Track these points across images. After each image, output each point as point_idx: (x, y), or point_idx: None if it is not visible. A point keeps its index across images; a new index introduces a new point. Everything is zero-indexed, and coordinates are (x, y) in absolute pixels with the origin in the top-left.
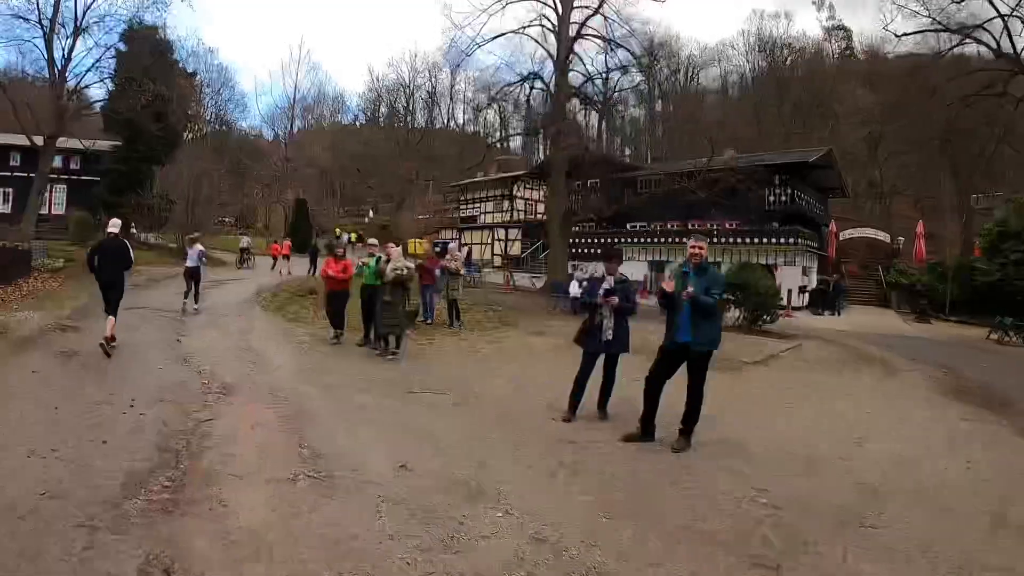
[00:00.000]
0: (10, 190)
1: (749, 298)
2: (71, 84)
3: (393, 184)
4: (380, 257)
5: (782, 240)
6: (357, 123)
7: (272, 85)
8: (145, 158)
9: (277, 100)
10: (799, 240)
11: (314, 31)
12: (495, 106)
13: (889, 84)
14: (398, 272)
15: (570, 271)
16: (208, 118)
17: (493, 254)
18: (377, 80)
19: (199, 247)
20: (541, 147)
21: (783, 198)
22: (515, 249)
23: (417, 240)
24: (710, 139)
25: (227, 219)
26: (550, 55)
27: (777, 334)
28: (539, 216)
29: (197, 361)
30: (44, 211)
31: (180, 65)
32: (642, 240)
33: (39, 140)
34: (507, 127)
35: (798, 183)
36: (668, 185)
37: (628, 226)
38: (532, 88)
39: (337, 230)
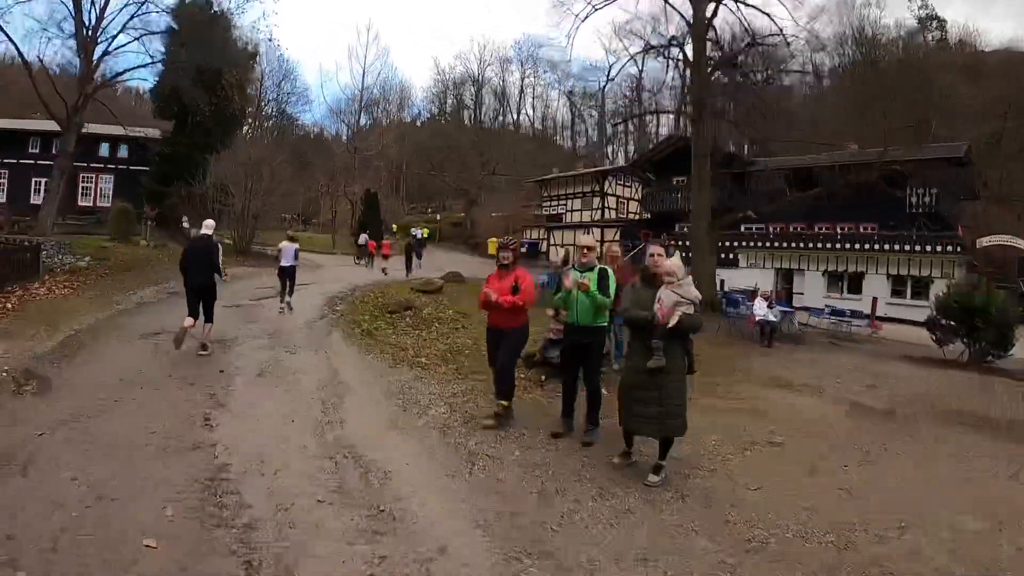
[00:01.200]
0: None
1: (987, 327)
2: (101, 50)
3: (466, 179)
4: (606, 271)
5: (937, 248)
6: (418, 122)
7: (337, 71)
8: (197, 145)
9: (343, 88)
10: (957, 249)
11: (380, 18)
12: (572, 99)
13: (988, 79)
14: (684, 310)
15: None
16: (270, 112)
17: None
18: (443, 72)
19: (295, 245)
20: (612, 146)
21: (926, 199)
22: (614, 251)
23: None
24: (885, 115)
25: (290, 215)
26: (685, 19)
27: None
28: (631, 215)
29: (239, 501)
30: (88, 202)
31: (239, 43)
32: (764, 244)
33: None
34: (581, 117)
35: (935, 182)
36: (832, 179)
37: (743, 228)
38: (668, 58)
39: (394, 227)
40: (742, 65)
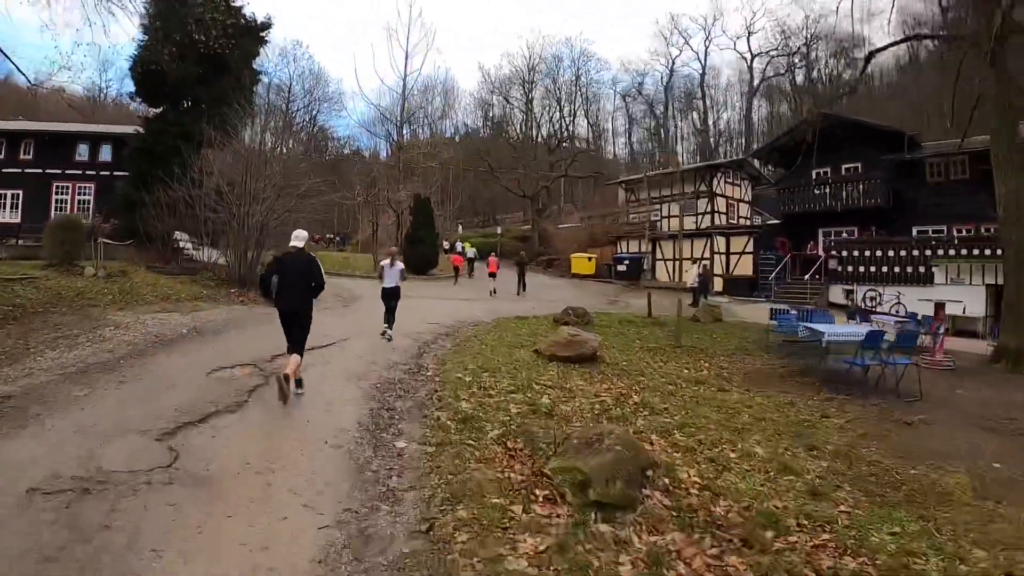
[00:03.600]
0: (19, 192)
1: None
2: None
3: (531, 184)
4: None
5: None
6: (458, 136)
7: (375, 60)
8: (184, 134)
9: (381, 78)
10: None
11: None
12: (642, 94)
13: None
14: None
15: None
16: (301, 122)
17: (713, 274)
18: (488, 75)
19: (399, 264)
20: (689, 141)
21: None
22: (744, 267)
23: (583, 256)
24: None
25: (330, 235)
26: None
27: None
28: (742, 219)
29: None
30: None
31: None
32: (968, 252)
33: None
34: (651, 114)
35: None
36: None
37: (915, 231)
38: None
39: (446, 243)
40: None
